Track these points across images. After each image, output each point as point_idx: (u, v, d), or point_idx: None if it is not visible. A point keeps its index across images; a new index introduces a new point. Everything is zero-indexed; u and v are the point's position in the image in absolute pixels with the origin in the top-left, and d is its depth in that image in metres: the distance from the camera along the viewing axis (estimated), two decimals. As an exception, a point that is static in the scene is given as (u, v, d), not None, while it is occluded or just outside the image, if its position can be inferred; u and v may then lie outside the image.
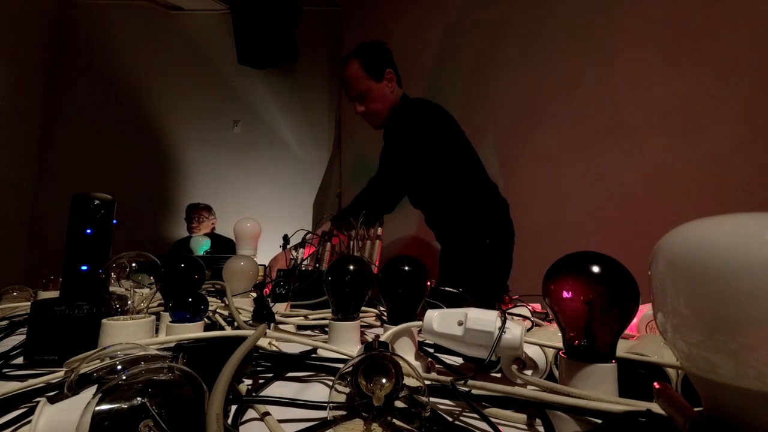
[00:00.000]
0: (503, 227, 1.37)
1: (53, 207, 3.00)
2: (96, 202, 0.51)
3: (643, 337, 0.46)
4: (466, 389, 0.33)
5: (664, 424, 0.24)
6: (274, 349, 0.49)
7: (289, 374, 0.42)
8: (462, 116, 1.43)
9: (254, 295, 0.80)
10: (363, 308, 0.66)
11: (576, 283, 0.31)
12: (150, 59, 3.47)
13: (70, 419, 0.23)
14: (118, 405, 0.21)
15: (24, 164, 3.09)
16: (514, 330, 0.37)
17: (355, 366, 0.28)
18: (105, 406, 0.21)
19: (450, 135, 1.36)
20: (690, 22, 1.23)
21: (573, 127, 1.59)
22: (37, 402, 0.27)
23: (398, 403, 0.28)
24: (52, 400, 0.26)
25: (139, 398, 0.21)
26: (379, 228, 1.01)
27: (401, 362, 0.28)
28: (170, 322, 0.51)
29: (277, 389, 0.39)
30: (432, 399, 0.33)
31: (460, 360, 0.49)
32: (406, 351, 0.43)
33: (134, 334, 0.46)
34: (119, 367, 0.30)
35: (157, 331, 0.55)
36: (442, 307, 0.52)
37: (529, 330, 0.55)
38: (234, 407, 0.32)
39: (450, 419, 0.32)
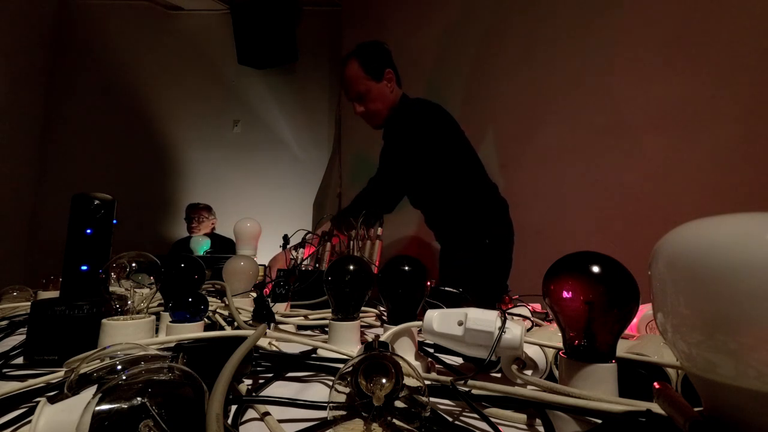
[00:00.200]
0: (503, 227, 1.37)
1: (53, 207, 3.00)
2: (96, 202, 0.51)
3: (643, 337, 0.46)
4: (466, 389, 0.33)
5: (664, 424, 0.24)
6: (274, 349, 0.49)
7: (289, 374, 0.42)
8: (462, 116, 1.43)
9: (254, 295, 0.80)
10: (363, 308, 0.66)
11: (576, 283, 0.31)
12: (150, 59, 3.47)
13: (70, 419, 0.23)
14: (118, 405, 0.21)
15: (24, 164, 3.09)
16: (514, 330, 0.37)
17: (355, 366, 0.28)
18: (105, 406, 0.21)
19: (450, 135, 1.36)
20: (690, 22, 1.23)
21: (573, 127, 1.59)
22: (37, 402, 0.27)
23: (398, 403, 0.28)
24: (52, 400, 0.26)
25: (139, 398, 0.21)
26: (379, 228, 1.01)
27: (401, 362, 0.28)
28: (170, 322, 0.51)
29: (277, 389, 0.39)
30: (432, 399, 0.33)
31: (460, 360, 0.49)
32: (406, 351, 0.43)
33: (134, 334, 0.46)
34: (119, 367, 0.30)
35: (157, 331, 0.55)
36: (442, 307, 0.52)
37: (529, 330, 0.55)
38: (234, 407, 0.32)
39: (450, 419, 0.32)
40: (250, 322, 0.61)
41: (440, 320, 0.40)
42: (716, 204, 1.11)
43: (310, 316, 0.69)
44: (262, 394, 0.37)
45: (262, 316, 0.58)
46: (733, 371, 0.19)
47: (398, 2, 2.65)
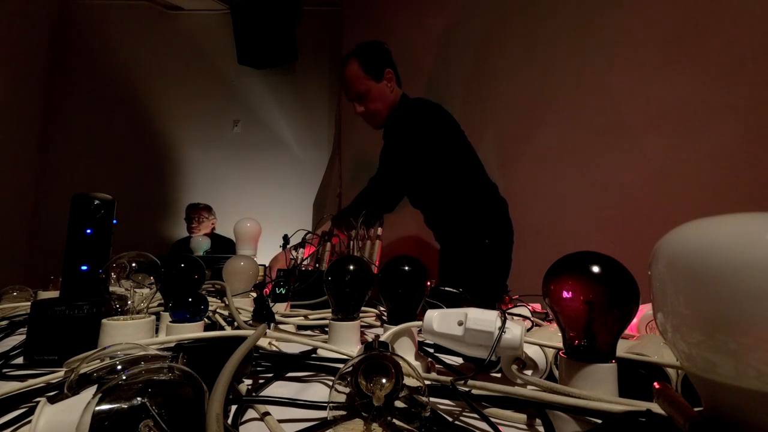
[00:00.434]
0: (503, 227, 1.37)
1: (53, 207, 3.00)
2: (96, 202, 0.51)
3: (643, 337, 0.46)
4: (466, 389, 0.33)
5: (664, 424, 0.24)
6: (274, 349, 0.49)
7: (289, 374, 0.42)
8: (462, 116, 1.43)
9: (254, 295, 0.80)
10: (363, 308, 0.66)
11: (576, 283, 0.31)
12: (150, 59, 3.47)
13: (70, 419, 0.23)
14: (118, 405, 0.21)
15: (24, 164, 3.09)
16: (514, 330, 0.37)
17: (355, 366, 0.28)
18: (105, 406, 0.21)
19: (450, 135, 1.36)
20: (690, 22, 1.23)
21: (573, 127, 1.59)
22: (37, 402, 0.27)
23: (398, 403, 0.28)
24: (52, 400, 0.26)
25: (139, 398, 0.21)
26: (379, 228, 1.01)
27: (401, 362, 0.28)
28: (170, 322, 0.51)
29: (277, 389, 0.39)
30: (432, 399, 0.33)
31: (460, 360, 0.49)
32: (406, 351, 0.43)
33: (134, 334, 0.46)
34: (119, 367, 0.30)
35: (157, 331, 0.55)
36: (442, 307, 0.52)
37: (529, 330, 0.55)
38: (234, 407, 0.32)
39: (450, 419, 0.32)
40: (250, 322, 0.61)
41: (440, 320, 0.40)
42: (716, 204, 1.11)
43: (310, 316, 0.69)
44: (262, 394, 0.37)
45: (262, 316, 0.58)
46: (733, 371, 0.19)
47: (398, 2, 2.65)
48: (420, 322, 0.42)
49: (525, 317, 0.61)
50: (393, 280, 0.47)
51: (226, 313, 0.67)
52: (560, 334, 0.33)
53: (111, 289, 0.49)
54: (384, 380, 0.27)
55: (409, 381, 0.28)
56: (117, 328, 0.46)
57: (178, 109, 3.50)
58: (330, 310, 0.53)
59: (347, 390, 0.28)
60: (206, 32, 3.58)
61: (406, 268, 0.47)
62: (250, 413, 0.32)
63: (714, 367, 0.20)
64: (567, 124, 1.61)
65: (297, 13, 3.50)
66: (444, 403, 0.35)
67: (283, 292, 0.79)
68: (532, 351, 0.39)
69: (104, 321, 0.46)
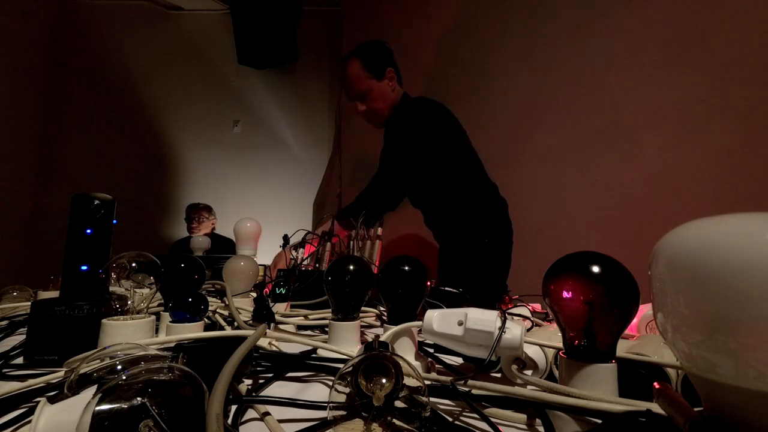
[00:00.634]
0: (502, 227, 1.37)
1: (53, 207, 3.00)
2: (96, 202, 0.51)
3: (643, 337, 0.46)
4: (466, 389, 0.33)
5: (664, 424, 0.24)
6: (274, 349, 0.49)
7: (289, 374, 0.42)
8: (462, 116, 1.43)
9: (254, 295, 0.80)
10: (363, 308, 0.66)
11: (576, 283, 0.31)
12: (150, 59, 3.47)
13: (70, 419, 0.23)
14: (118, 405, 0.21)
15: (24, 164, 3.09)
16: (514, 330, 0.37)
17: (355, 366, 0.28)
18: (105, 406, 0.21)
19: (450, 134, 1.36)
20: (689, 22, 1.23)
21: (573, 127, 1.59)
22: (37, 402, 0.27)
23: (398, 403, 0.28)
24: (52, 400, 0.26)
25: (139, 398, 0.21)
26: (379, 228, 1.01)
27: (401, 362, 0.28)
28: (170, 322, 0.51)
29: (277, 389, 0.39)
30: (432, 399, 0.33)
31: (460, 360, 0.49)
32: (406, 351, 0.43)
33: (134, 334, 0.46)
34: (119, 367, 0.30)
35: (157, 331, 0.55)
36: (442, 307, 0.52)
37: (529, 330, 0.55)
38: (234, 407, 0.32)
39: (450, 419, 0.32)
40: (250, 322, 0.61)
41: (440, 320, 0.40)
42: (716, 204, 1.11)
43: (310, 316, 0.69)
44: (262, 394, 0.37)
45: (262, 316, 0.58)
46: (733, 371, 0.19)
47: (398, 2, 2.65)
48: (420, 322, 0.42)
49: (525, 317, 0.61)
50: (393, 280, 0.47)
51: (226, 313, 0.67)
52: (560, 334, 0.33)
53: (111, 289, 0.49)
54: (384, 380, 0.27)
55: (409, 381, 0.28)
56: (117, 328, 0.46)
57: (178, 109, 3.50)
58: (330, 310, 0.53)
59: (347, 390, 0.28)
60: (206, 32, 3.58)
61: (406, 268, 0.47)
62: (250, 413, 0.32)
63: (714, 367, 0.20)
64: (567, 124, 1.61)
65: (297, 13, 3.50)
66: (444, 403, 0.35)
67: (283, 292, 0.79)
68: (532, 351, 0.39)
69: (104, 321, 0.46)
